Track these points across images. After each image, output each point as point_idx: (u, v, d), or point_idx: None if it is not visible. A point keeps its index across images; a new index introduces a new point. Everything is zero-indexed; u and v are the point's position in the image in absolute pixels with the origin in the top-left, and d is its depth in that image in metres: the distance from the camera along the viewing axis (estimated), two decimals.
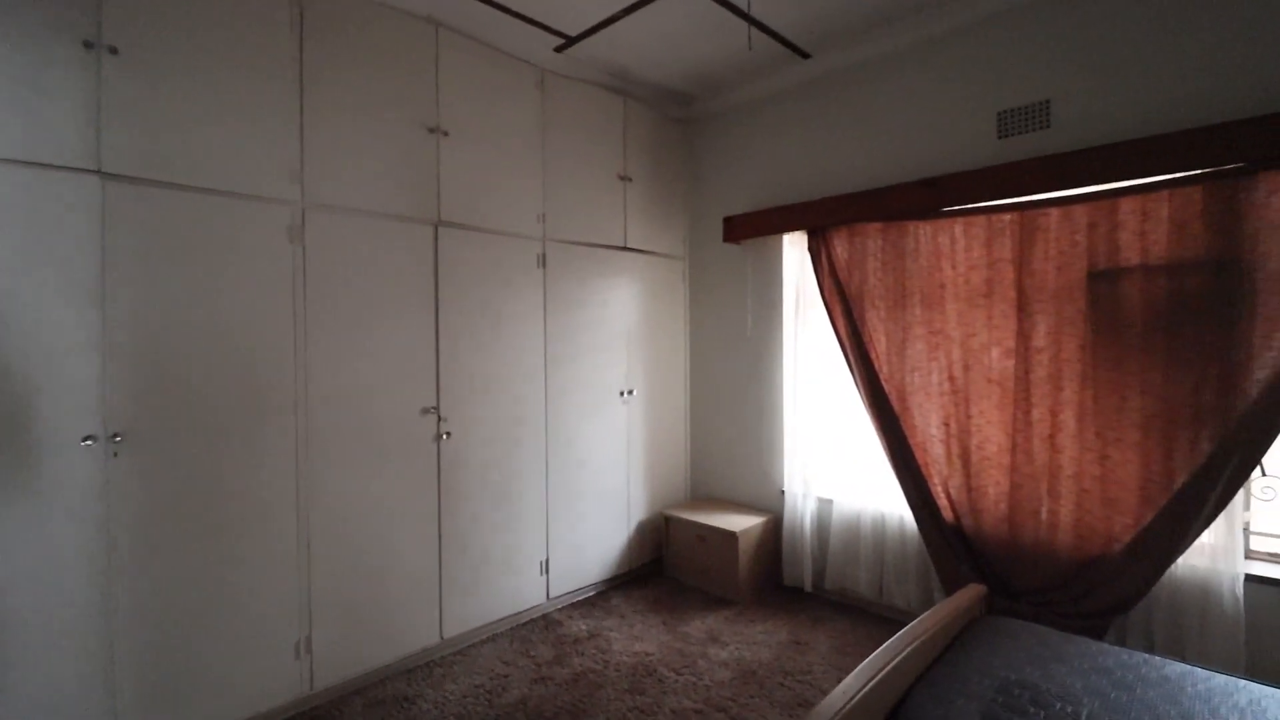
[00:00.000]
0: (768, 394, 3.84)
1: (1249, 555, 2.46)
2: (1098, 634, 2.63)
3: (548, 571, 3.42)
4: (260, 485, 2.43)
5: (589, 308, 3.63)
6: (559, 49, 3.33)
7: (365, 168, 2.71)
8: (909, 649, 1.95)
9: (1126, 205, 2.52)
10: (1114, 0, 2.58)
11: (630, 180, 3.83)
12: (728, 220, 3.83)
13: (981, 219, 2.91)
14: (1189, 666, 1.96)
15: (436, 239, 2.95)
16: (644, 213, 3.94)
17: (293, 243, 2.52)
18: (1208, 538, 2.40)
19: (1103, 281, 2.60)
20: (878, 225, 3.24)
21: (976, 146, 2.97)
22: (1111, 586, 2.56)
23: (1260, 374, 2.25)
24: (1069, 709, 1.75)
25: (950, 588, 3.01)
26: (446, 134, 2.97)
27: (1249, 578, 2.34)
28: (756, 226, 3.70)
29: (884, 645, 1.97)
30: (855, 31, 3.22)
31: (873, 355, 3.26)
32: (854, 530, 3.43)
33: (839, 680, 2.74)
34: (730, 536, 3.54)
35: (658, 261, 4.05)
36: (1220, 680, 1.87)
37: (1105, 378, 2.58)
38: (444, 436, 2.97)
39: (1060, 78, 2.73)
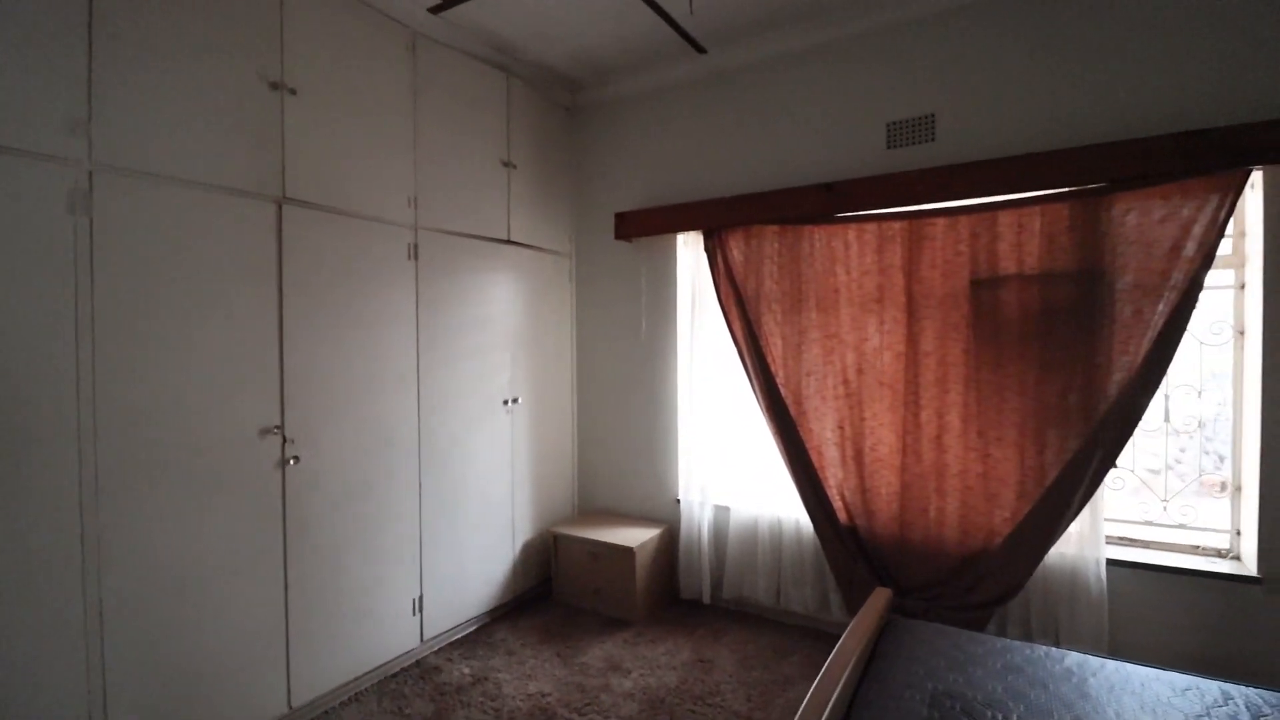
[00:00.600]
0: (662, 399, 3.68)
1: (1106, 541, 2.71)
2: (981, 624, 2.77)
3: (421, 610, 2.97)
4: (21, 544, 1.78)
5: (469, 306, 3.22)
6: (434, 9, 2.89)
7: (182, 124, 2.12)
8: (847, 674, 1.85)
9: (1004, 218, 2.68)
10: (991, 25, 2.74)
11: (515, 167, 3.47)
12: (620, 216, 3.62)
13: (873, 226, 2.96)
14: (1082, 655, 2.06)
15: (280, 219, 2.41)
16: (529, 204, 3.60)
17: (74, 214, 1.88)
18: (1075, 527, 2.61)
19: (984, 289, 2.74)
20: (775, 228, 3.20)
21: (868, 155, 3.03)
22: (995, 578, 2.70)
23: (1118, 376, 2.48)
24: (999, 716, 1.75)
25: (846, 589, 3.04)
26: (294, 92, 2.44)
27: (1108, 561, 2.56)
28: (650, 224, 3.53)
29: (824, 671, 1.85)
30: (751, 30, 3.16)
31: (769, 359, 3.22)
32: (751, 537, 3.37)
33: (749, 699, 2.64)
34: (626, 553, 3.32)
35: (544, 258, 3.74)
36: (1112, 666, 1.98)
37: (987, 380, 2.73)
38: (291, 462, 2.44)
39: (944, 94, 2.85)
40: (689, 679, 2.80)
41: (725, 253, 3.33)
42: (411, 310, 2.92)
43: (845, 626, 3.11)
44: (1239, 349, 2.49)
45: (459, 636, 3.19)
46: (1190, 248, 2.34)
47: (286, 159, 2.42)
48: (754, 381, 3.28)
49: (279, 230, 2.40)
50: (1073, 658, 2.05)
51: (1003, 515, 2.72)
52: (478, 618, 3.30)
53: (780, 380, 3.20)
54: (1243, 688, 1.85)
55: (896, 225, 2.91)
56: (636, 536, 3.43)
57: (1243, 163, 2.22)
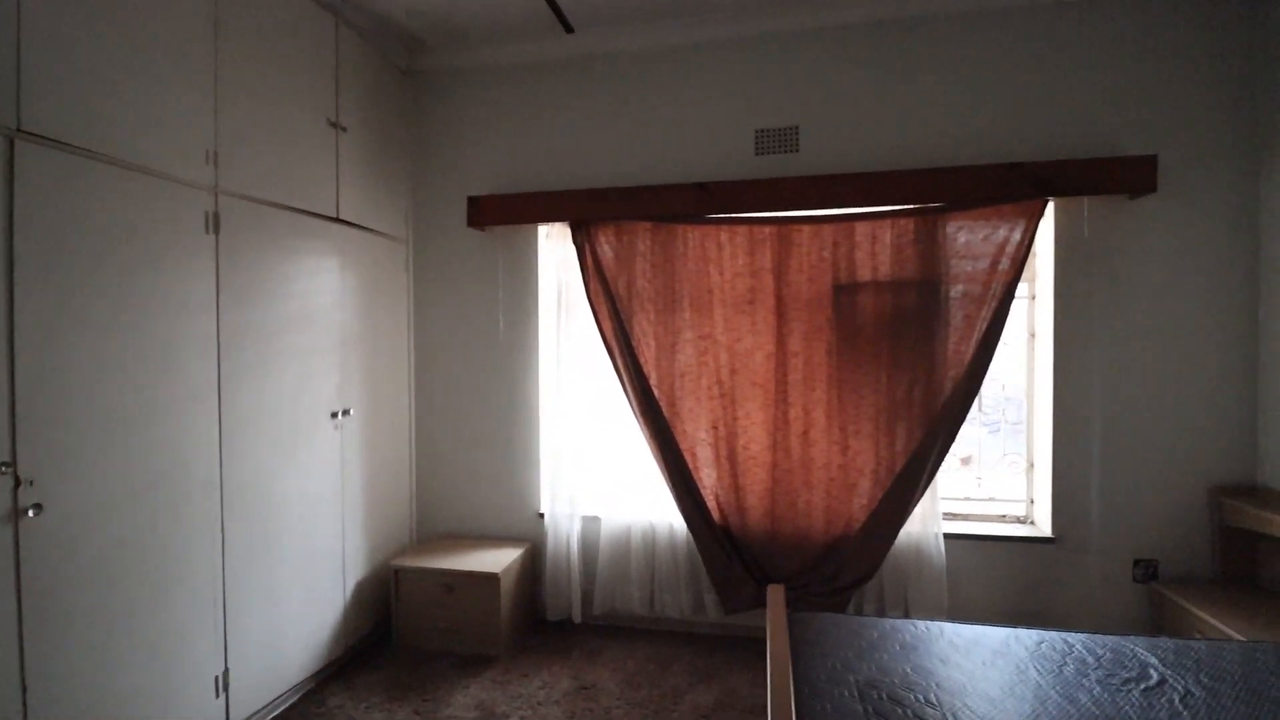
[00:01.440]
0: (523, 406, 3.36)
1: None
2: (843, 606, 2.97)
3: (227, 688, 2.29)
4: None
5: (288, 298, 2.59)
6: None
7: None
8: (790, 688, 1.80)
9: (860, 229, 2.91)
10: (847, 52, 2.97)
11: (345, 130, 2.88)
12: (474, 202, 3.21)
13: (745, 229, 3.02)
14: (954, 625, 2.28)
15: (11, 161, 1.65)
16: (364, 177, 3.03)
17: None
18: (918, 508, 2.91)
19: (844, 294, 2.94)
20: (648, 225, 3.10)
21: (737, 159, 3.09)
22: (856, 561, 2.92)
23: (952, 373, 2.83)
24: (921, 697, 1.83)
25: (722, 588, 3.05)
26: None
27: (945, 535, 2.91)
28: (510, 212, 3.19)
29: (771, 685, 1.77)
30: (625, 17, 3.04)
31: (642, 360, 3.11)
32: (624, 546, 3.22)
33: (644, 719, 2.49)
34: (489, 580, 2.95)
35: (378, 243, 3.17)
36: (978, 631, 2.22)
37: (847, 378, 2.93)
38: (28, 513, 1.68)
39: (807, 108, 3.01)
40: (576, 710, 2.56)
41: (595, 248, 3.14)
42: (211, 300, 2.24)
43: (721, 626, 3.14)
44: (1032, 349, 3.01)
45: (280, 711, 2.53)
46: (1005, 263, 2.76)
47: (23, 73, 1.67)
48: (626, 384, 3.14)
49: (9, 177, 1.64)
50: (948, 628, 2.25)
51: (860, 503, 2.94)
52: (302, 684, 2.66)
53: (654, 382, 3.11)
54: (1070, 635, 2.19)
55: (767, 229, 3.00)
56: (498, 559, 3.07)
57: (1044, 193, 2.67)
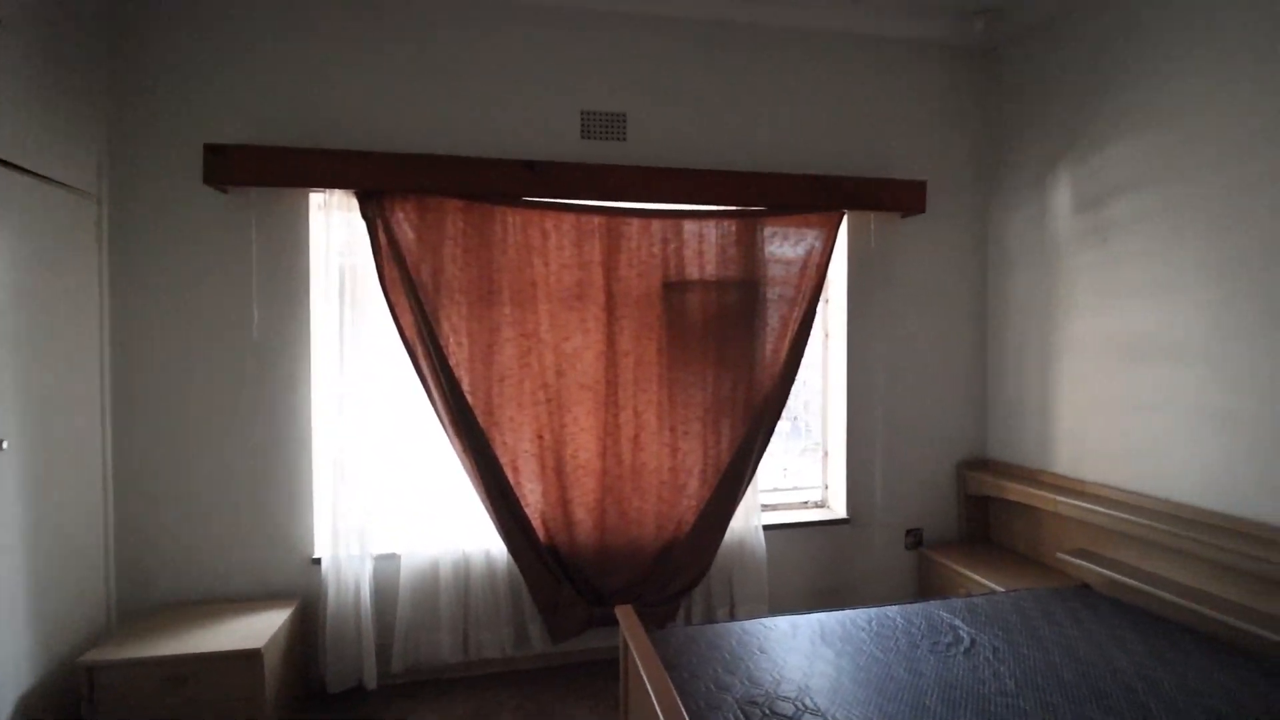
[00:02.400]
0: (287, 423, 2.62)
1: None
2: (675, 612, 2.90)
3: None
4: None
5: None
6: None
7: None
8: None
9: (688, 226, 2.87)
10: (683, 42, 2.90)
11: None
12: (217, 152, 2.39)
13: (572, 217, 2.76)
14: (800, 617, 2.33)
15: None
16: (29, 94, 2.03)
17: None
18: (741, 503, 2.97)
19: (674, 292, 2.87)
20: (459, 203, 2.65)
21: (562, 140, 2.82)
22: (688, 564, 2.86)
23: (770, 370, 2.94)
24: (800, 705, 1.79)
25: (550, 614, 2.74)
26: None
27: (764, 527, 3.02)
28: (273, 170, 2.45)
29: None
30: None
31: (453, 362, 2.65)
32: (431, 585, 2.70)
33: None
34: (248, 659, 2.20)
35: (53, 195, 2.17)
36: (818, 620, 2.30)
37: (678, 378, 2.86)
38: None
39: (635, 97, 2.88)
40: None
41: (392, 226, 2.58)
42: None
43: (548, 658, 2.83)
44: (826, 348, 3.30)
45: None
46: (812, 268, 2.96)
47: None
48: (432, 390, 2.64)
49: None
50: (796, 622, 2.29)
51: (690, 504, 2.90)
52: None
53: (467, 387, 2.67)
54: (889, 608, 2.39)
55: (596, 220, 2.78)
56: (256, 628, 2.33)
57: (843, 206, 2.93)
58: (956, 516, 3.28)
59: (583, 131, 2.84)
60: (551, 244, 2.75)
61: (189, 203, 2.50)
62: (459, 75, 2.72)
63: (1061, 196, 2.84)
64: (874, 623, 2.28)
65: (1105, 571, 2.48)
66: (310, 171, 2.48)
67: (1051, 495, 2.76)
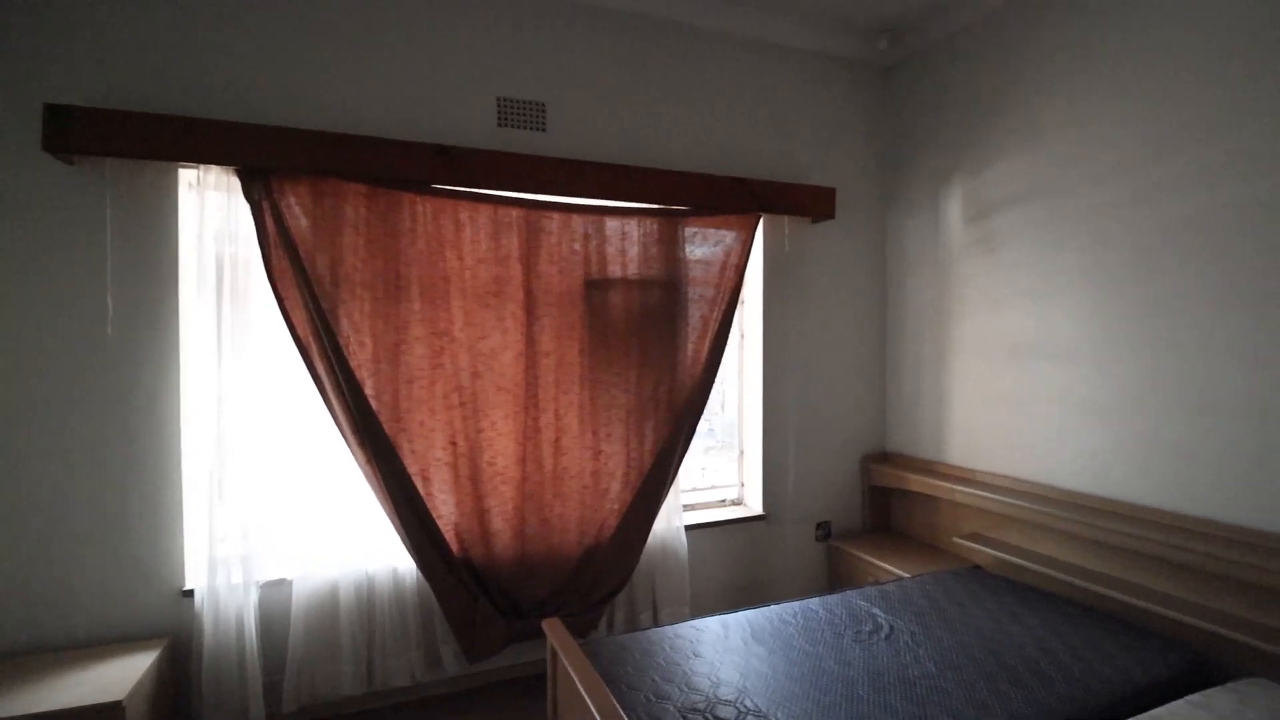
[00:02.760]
0: (150, 435, 2.24)
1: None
2: (598, 620, 2.81)
3: None
4: None
5: None
6: None
7: None
8: None
9: (610, 223, 2.79)
10: (606, 34, 2.82)
11: None
12: (61, 114, 1.99)
13: (488, 209, 2.60)
14: (729, 616, 2.33)
15: None
16: None
17: None
18: (663, 505, 2.93)
19: (596, 290, 2.79)
20: (362, 188, 2.40)
21: (478, 127, 2.65)
22: (612, 569, 2.78)
23: (692, 370, 2.93)
24: (741, 707, 1.77)
25: (465, 633, 2.56)
26: None
27: (686, 527, 3.00)
28: (134, 139, 2.08)
29: None
30: None
31: (355, 364, 2.40)
32: (329, 611, 2.43)
33: None
34: (106, 712, 1.86)
35: None
36: (751, 616, 2.31)
37: (600, 378, 2.78)
38: None
39: (555, 87, 2.76)
40: None
41: (282, 210, 2.29)
42: None
43: (463, 680, 2.64)
44: (742, 349, 3.34)
45: None
46: (731, 269, 2.98)
47: None
48: (330, 395, 2.38)
49: None
50: (726, 622, 2.29)
51: (613, 507, 2.82)
52: None
53: (370, 391, 2.43)
54: (811, 600, 2.46)
55: (514, 212, 2.63)
56: (112, 677, 1.97)
57: (760, 208, 2.98)
58: (861, 508, 3.45)
59: (499, 119, 2.69)
60: (466, 236, 2.57)
61: (23, 172, 2.07)
62: (362, 46, 2.48)
63: (954, 207, 3.07)
64: (799, 616, 2.32)
65: (996, 553, 2.69)
66: (180, 143, 2.13)
67: (947, 484, 2.97)
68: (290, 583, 2.41)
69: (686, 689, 1.87)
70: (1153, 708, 1.73)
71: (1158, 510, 2.26)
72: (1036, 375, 2.70)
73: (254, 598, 2.32)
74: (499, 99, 2.68)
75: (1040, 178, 2.67)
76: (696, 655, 2.07)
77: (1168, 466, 2.24)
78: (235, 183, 2.27)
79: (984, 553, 2.76)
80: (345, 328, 2.39)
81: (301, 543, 2.43)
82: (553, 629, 2.11)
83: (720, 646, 2.12)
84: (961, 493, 2.89)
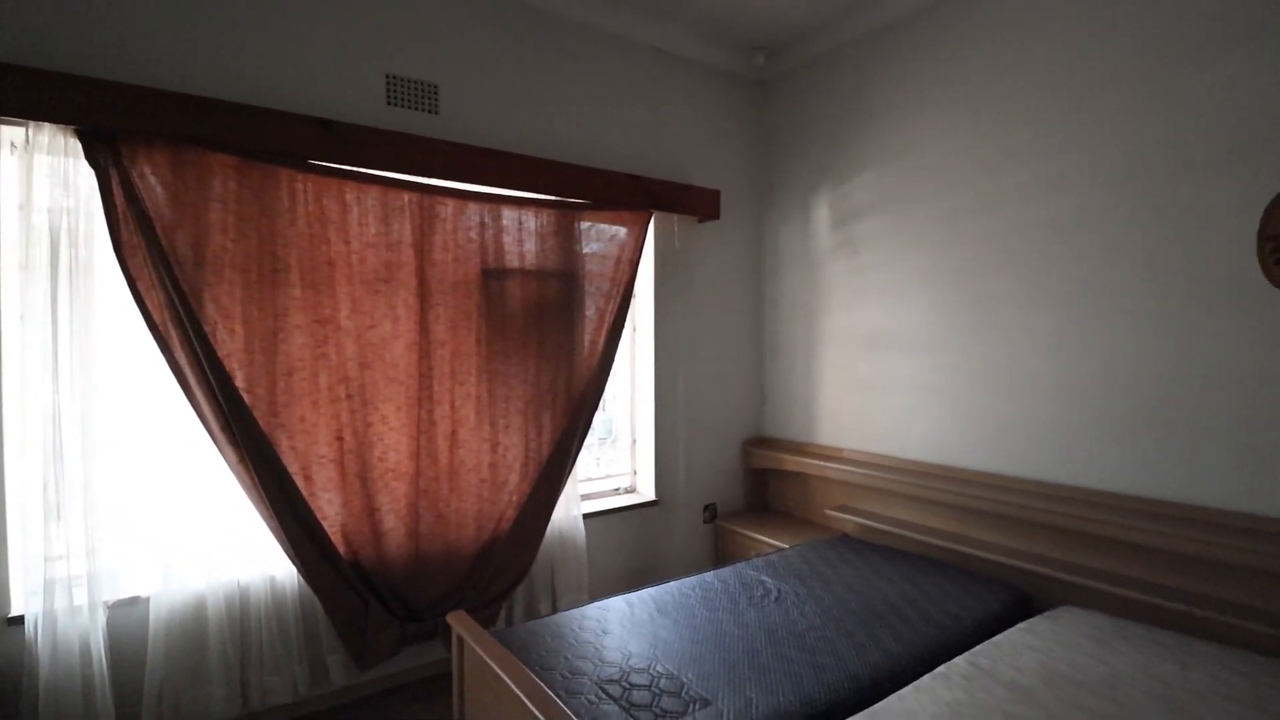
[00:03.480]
0: None
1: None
2: (497, 614, 2.78)
3: None
4: None
5: None
6: None
7: None
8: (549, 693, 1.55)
9: (507, 212, 2.77)
10: (502, 20, 2.78)
11: None
12: None
13: (377, 190, 2.47)
14: (635, 594, 2.41)
15: None
16: None
17: None
18: (561, 495, 2.96)
19: (493, 279, 2.75)
20: (231, 160, 2.19)
21: (366, 103, 2.51)
22: (510, 562, 2.76)
23: (588, 361, 2.99)
24: (655, 671, 1.86)
25: (355, 640, 2.42)
26: None
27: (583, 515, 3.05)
28: None
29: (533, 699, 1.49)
30: None
31: (223, 353, 2.18)
32: (194, 628, 2.18)
33: None
34: None
35: None
36: (657, 592, 2.41)
37: (498, 370, 2.75)
38: None
39: (448, 69, 2.69)
40: None
41: (133, 179, 2.03)
42: None
43: (349, 691, 2.50)
44: (633, 341, 3.45)
45: None
46: (625, 263, 3.08)
47: None
48: (193, 388, 2.15)
49: None
50: (631, 600, 2.37)
51: (510, 499, 2.80)
52: None
53: (242, 384, 2.22)
54: (707, 574, 2.62)
55: (406, 195, 2.53)
56: None
57: (653, 206, 3.11)
58: (743, 489, 3.71)
59: (389, 97, 2.56)
60: (353, 218, 2.43)
61: None
62: (240, 5, 2.25)
63: (821, 214, 3.40)
64: (698, 589, 2.47)
65: (860, 520, 3.03)
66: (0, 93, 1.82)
67: (817, 462, 3.29)
68: (146, 600, 2.13)
69: (600, 663, 1.92)
70: (991, 637, 2.07)
71: (986, 473, 2.68)
72: (889, 363, 3.08)
73: (101, 620, 2.02)
74: (388, 75, 2.56)
75: (893, 190, 3.04)
76: (606, 633, 2.12)
77: (993, 436, 2.67)
78: (76, 146, 1.97)
79: (850, 521, 3.09)
80: (211, 313, 2.16)
81: (160, 555, 2.16)
82: (459, 621, 2.07)
83: (628, 622, 2.19)
84: (831, 469, 3.21)
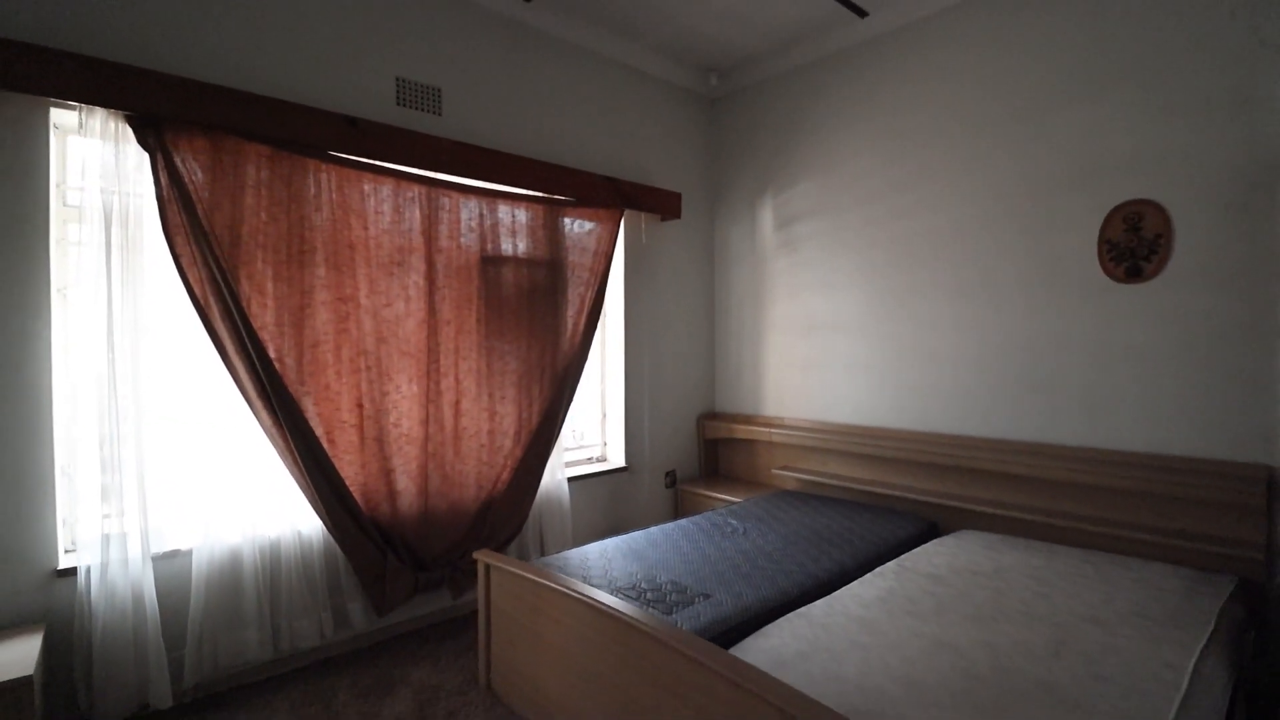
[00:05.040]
0: (16, 403, 2.01)
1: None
2: None
3: None
4: None
5: None
6: None
7: None
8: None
9: (503, 206, 3.10)
10: (495, 32, 3.10)
11: None
12: None
13: (392, 181, 2.74)
14: (637, 534, 2.82)
15: None
16: None
17: None
18: (550, 460, 3.31)
19: (491, 265, 3.07)
20: (265, 150, 2.41)
21: (377, 103, 2.77)
22: (507, 517, 3.09)
23: (571, 341, 3.36)
24: (657, 579, 2.29)
25: (375, 588, 2.67)
26: None
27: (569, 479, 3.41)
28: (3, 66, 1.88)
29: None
30: None
31: (258, 325, 2.40)
32: (231, 579, 2.38)
33: None
34: (17, 689, 1.71)
35: None
36: (652, 531, 2.83)
37: (495, 346, 3.07)
38: None
39: (450, 75, 2.98)
40: None
41: (176, 163, 2.22)
42: None
43: (370, 636, 2.75)
44: (604, 326, 3.84)
45: None
46: (601, 255, 3.47)
47: None
48: (231, 356, 2.36)
49: None
50: (633, 539, 2.78)
51: (506, 462, 3.12)
52: None
53: (274, 354, 2.44)
54: (685, 520, 3.07)
55: (416, 187, 2.81)
56: (3, 660, 1.79)
57: (625, 205, 3.52)
58: (698, 457, 4.19)
59: (398, 98, 2.83)
60: (371, 206, 2.69)
61: None
62: (265, 5, 2.46)
63: (766, 217, 3.94)
64: (677, 530, 2.91)
65: (801, 475, 3.59)
66: (57, 77, 1.97)
67: (764, 430, 3.82)
68: (188, 553, 2.31)
69: (612, 579, 2.32)
70: (908, 551, 2.64)
71: (901, 430, 3.29)
72: (825, 344, 3.65)
73: (149, 572, 2.19)
74: (398, 79, 2.83)
75: (825, 199, 3.62)
76: (609, 561, 2.52)
77: (910, 400, 3.29)
78: (125, 131, 2.14)
79: (792, 477, 3.64)
80: (246, 289, 2.37)
81: (200, 512, 2.34)
82: (486, 555, 2.40)
83: (627, 553, 2.60)
84: (775, 434, 3.75)
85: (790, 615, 2.02)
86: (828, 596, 2.17)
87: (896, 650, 1.78)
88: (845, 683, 1.62)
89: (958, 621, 1.95)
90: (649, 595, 2.17)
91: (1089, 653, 1.76)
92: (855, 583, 2.30)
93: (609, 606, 1.84)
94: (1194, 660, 1.72)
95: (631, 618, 1.76)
